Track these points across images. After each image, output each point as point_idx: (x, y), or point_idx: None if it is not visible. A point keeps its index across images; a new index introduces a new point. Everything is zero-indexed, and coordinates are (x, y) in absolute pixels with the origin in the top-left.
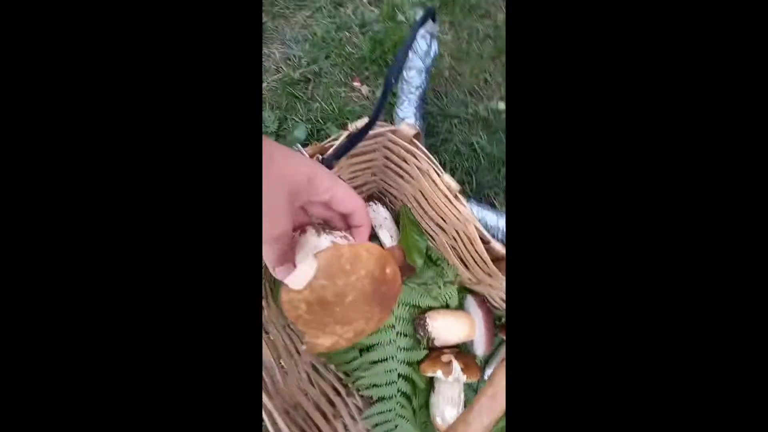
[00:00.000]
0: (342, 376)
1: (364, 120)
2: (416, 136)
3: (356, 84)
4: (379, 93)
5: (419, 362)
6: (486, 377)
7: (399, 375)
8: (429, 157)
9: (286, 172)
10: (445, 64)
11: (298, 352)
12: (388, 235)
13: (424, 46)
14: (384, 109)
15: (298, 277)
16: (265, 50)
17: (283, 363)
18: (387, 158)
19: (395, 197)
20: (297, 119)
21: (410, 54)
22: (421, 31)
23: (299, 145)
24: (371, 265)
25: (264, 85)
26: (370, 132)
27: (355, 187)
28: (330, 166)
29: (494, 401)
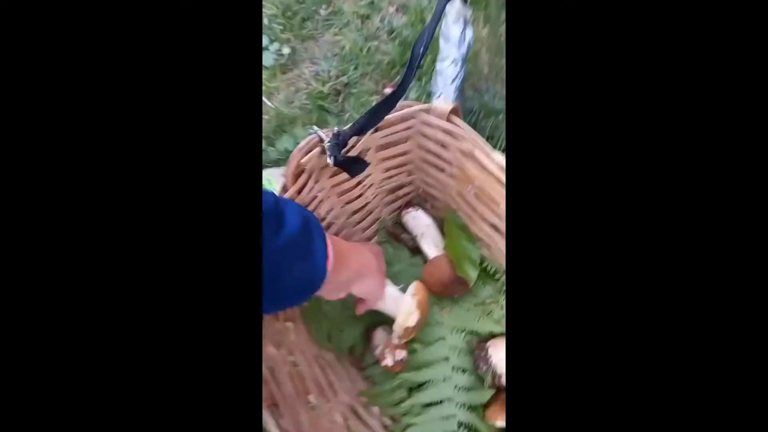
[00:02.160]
0: (388, 422)
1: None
2: (454, 111)
3: (388, 90)
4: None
5: (484, 407)
6: None
7: (459, 423)
8: (472, 134)
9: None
10: (483, 60)
11: (333, 388)
12: (432, 245)
13: (456, 32)
14: (411, 80)
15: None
16: (296, 71)
17: (312, 399)
18: (422, 147)
19: (438, 199)
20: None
21: (441, 40)
22: (453, 16)
23: (315, 127)
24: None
25: (295, 103)
26: (400, 114)
27: (390, 191)
28: (345, 143)
29: None
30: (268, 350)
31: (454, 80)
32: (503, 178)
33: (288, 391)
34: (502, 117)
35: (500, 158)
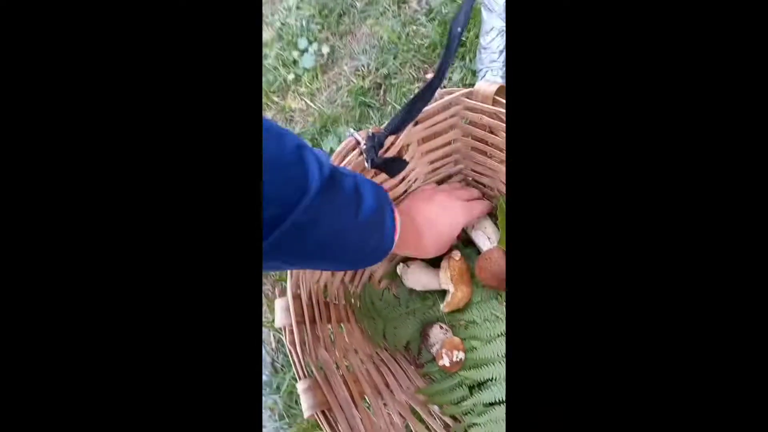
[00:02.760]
0: (449, 421)
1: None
2: (499, 91)
3: (430, 76)
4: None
5: None
6: None
7: None
8: None
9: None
10: None
11: (389, 388)
12: (484, 237)
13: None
14: (450, 65)
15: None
16: (336, 70)
17: (367, 400)
18: (468, 134)
19: (489, 187)
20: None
21: (483, 12)
22: None
23: (352, 130)
24: None
25: (337, 102)
26: (440, 103)
27: (438, 183)
28: (382, 143)
29: None
30: (321, 353)
31: (501, 52)
32: None
33: (342, 395)
34: None
35: None
